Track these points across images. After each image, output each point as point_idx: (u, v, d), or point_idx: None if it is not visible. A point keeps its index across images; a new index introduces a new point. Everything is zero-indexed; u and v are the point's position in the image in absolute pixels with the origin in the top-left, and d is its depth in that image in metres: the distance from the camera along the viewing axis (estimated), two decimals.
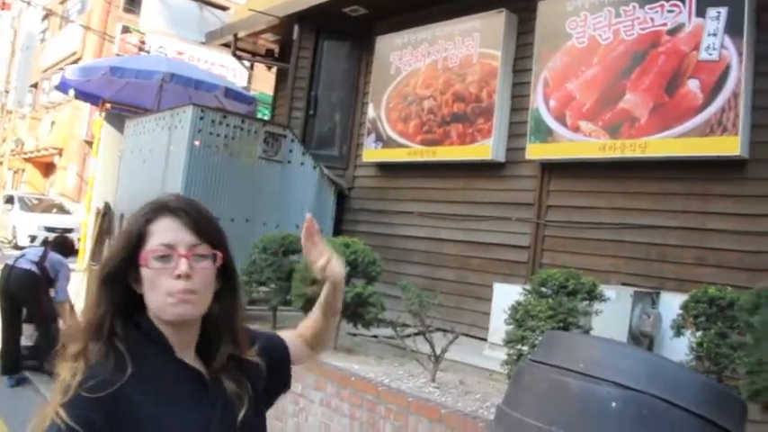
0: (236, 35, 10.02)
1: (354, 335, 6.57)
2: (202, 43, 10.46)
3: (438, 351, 5.12)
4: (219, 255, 1.46)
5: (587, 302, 4.21)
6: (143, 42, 20.33)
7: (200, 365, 1.49)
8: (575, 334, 3.59)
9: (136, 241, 1.42)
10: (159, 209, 1.45)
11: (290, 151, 8.32)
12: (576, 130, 5.97)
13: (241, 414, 1.48)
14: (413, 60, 7.74)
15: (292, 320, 6.83)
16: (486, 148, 6.79)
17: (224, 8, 11.35)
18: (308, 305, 5.97)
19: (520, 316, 4.15)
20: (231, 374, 1.52)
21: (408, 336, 5.92)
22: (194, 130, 7.58)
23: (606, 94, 5.79)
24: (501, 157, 6.83)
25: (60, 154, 24.90)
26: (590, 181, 6.19)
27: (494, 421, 3.49)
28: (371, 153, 8.25)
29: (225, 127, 7.83)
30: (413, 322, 7.29)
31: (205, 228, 1.46)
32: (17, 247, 19.11)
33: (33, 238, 18.29)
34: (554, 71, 6.19)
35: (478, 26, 6.99)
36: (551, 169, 6.45)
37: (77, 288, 8.94)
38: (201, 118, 7.65)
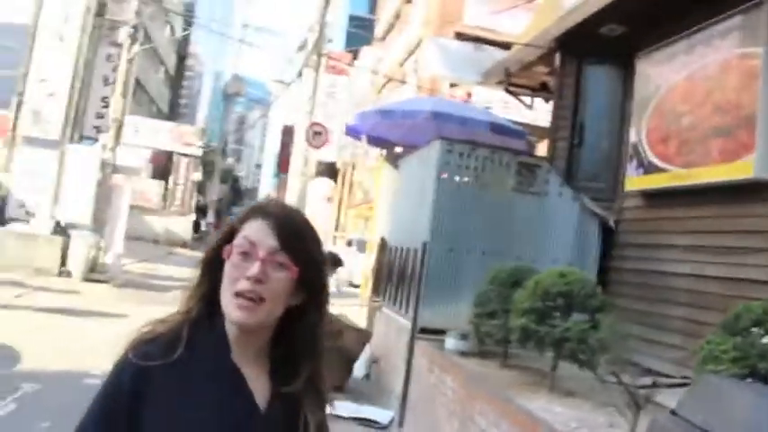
0: (507, 71, 9.90)
1: (603, 381, 5.87)
2: (479, 83, 10.55)
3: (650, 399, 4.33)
4: (295, 269, 1.43)
5: None
6: (469, 95, 21.13)
7: (266, 379, 1.49)
8: (729, 381, 2.75)
9: (228, 236, 1.47)
10: (256, 210, 1.49)
11: (547, 182, 7.90)
12: None
13: None
14: (671, 74, 6.86)
15: (522, 359, 6.36)
16: (748, 166, 5.69)
17: (506, 46, 11.26)
18: (523, 339, 5.52)
19: (702, 358, 3.31)
20: (309, 400, 1.52)
21: (647, 386, 5.10)
22: (442, 164, 7.61)
23: None
24: None
25: None
26: None
27: None
28: (633, 181, 7.45)
29: (474, 159, 7.74)
30: (676, 372, 6.36)
31: (292, 237, 1.45)
32: (352, 285, 21.17)
33: None
34: None
35: (737, 24, 5.96)
36: None
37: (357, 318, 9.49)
38: (449, 151, 7.67)
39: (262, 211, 1.48)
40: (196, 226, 33.23)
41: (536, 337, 5.32)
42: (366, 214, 33.28)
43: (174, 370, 1.37)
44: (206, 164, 42.55)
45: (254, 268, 1.38)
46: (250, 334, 1.44)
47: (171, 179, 32.61)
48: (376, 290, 10.13)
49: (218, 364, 1.42)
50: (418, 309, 7.24)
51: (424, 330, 7.29)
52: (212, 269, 1.46)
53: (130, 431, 1.34)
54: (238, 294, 1.38)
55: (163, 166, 36.21)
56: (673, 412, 2.69)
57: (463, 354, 6.67)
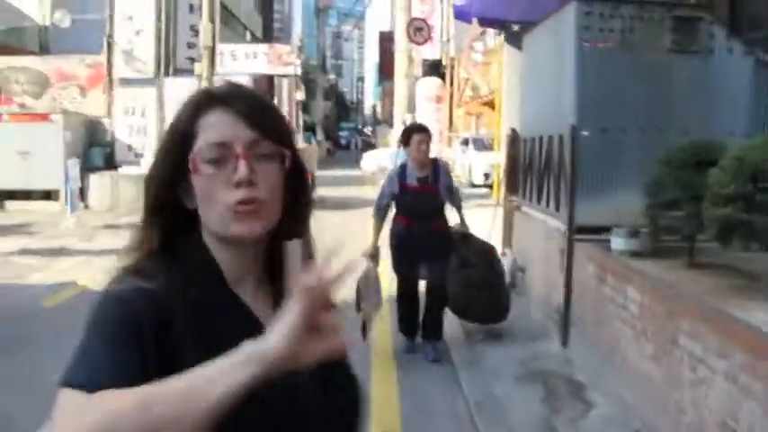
0: None
1: None
2: None
3: None
4: (288, 154, 1.13)
5: None
6: None
7: (267, 302, 1.16)
8: None
9: (181, 142, 1.12)
10: (207, 99, 1.13)
11: (711, 37, 6.44)
12: None
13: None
14: None
15: (713, 255, 5.15)
16: None
17: None
18: (725, 233, 4.34)
19: None
20: None
21: None
22: (580, 30, 6.34)
23: None
24: None
25: None
26: None
27: None
28: None
29: (619, 19, 6.40)
30: None
31: (267, 120, 1.13)
32: (472, 185, 20.09)
33: (487, 176, 19.11)
34: None
35: None
36: None
37: (491, 222, 8.54)
38: (588, 13, 6.39)
39: (215, 98, 1.12)
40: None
41: (746, 228, 4.13)
42: (477, 110, 31.85)
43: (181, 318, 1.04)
44: (307, 82, 41.94)
45: (241, 170, 1.06)
46: (245, 252, 1.13)
47: (274, 102, 32.26)
48: (511, 188, 9.02)
49: (219, 300, 1.11)
50: (573, 204, 6.11)
51: (580, 230, 6.18)
52: (164, 191, 1.13)
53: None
54: (229, 207, 1.07)
55: (265, 90, 35.89)
56: None
57: (635, 254, 5.52)
